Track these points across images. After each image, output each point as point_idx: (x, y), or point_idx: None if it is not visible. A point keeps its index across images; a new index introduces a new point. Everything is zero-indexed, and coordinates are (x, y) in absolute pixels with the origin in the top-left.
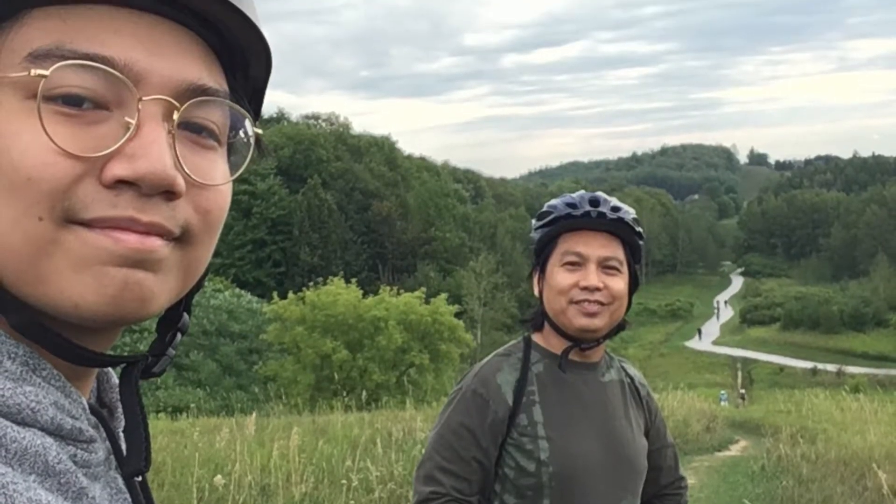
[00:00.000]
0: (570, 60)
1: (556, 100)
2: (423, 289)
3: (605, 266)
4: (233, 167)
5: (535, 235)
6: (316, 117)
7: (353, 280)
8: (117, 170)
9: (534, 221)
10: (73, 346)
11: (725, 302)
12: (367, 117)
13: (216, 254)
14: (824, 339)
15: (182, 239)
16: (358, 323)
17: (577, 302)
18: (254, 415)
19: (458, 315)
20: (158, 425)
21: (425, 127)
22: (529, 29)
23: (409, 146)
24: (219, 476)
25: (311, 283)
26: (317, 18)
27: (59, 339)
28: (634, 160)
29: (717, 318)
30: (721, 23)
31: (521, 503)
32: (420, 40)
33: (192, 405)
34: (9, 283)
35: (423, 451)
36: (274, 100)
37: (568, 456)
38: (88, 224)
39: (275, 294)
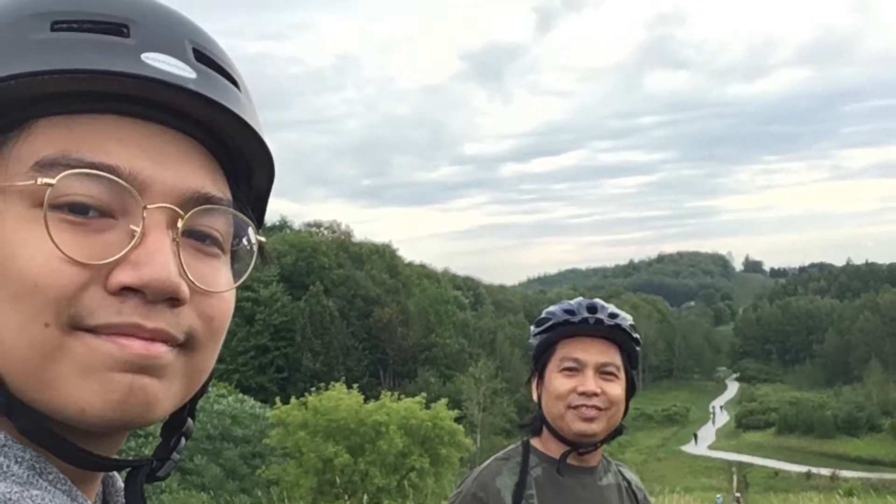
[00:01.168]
0: (569, 169)
1: (554, 208)
2: (424, 394)
3: (603, 372)
4: (236, 274)
5: (534, 341)
6: (318, 225)
7: (355, 385)
8: (123, 277)
9: (532, 328)
10: (79, 450)
11: (721, 407)
12: (368, 225)
13: (220, 360)
14: (818, 444)
15: (186, 345)
16: (359, 427)
17: (575, 407)
18: None
19: (458, 420)
20: None
21: (426, 234)
22: (528, 138)
23: (410, 253)
24: None
25: (314, 389)
26: (319, 128)
27: (65, 444)
28: (631, 267)
29: (713, 422)
30: (717, 132)
31: None
32: (420, 149)
33: None
34: (16, 389)
35: None
36: (277, 208)
37: None
38: (94, 330)
39: (277, 399)
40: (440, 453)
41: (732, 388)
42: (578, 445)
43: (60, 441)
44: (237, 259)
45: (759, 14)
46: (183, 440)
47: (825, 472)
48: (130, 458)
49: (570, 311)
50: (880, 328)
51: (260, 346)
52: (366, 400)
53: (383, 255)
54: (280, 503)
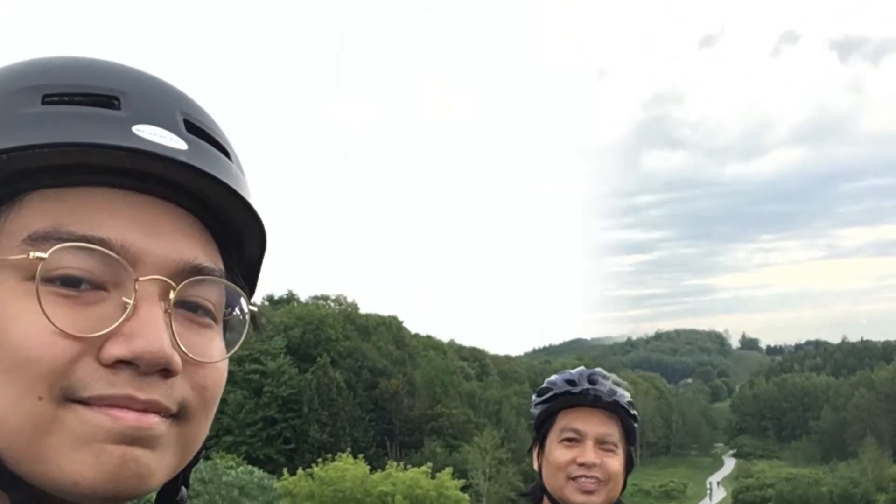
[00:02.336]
0: None
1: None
2: (430, 464)
3: (602, 444)
4: (229, 344)
5: (535, 411)
6: (325, 298)
7: (361, 456)
8: (115, 350)
9: (534, 397)
10: None
11: (718, 483)
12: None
13: (228, 431)
14: None
15: (179, 415)
16: (365, 498)
17: (575, 478)
18: None
19: (463, 489)
20: None
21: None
22: None
23: (416, 325)
24: None
25: (321, 459)
26: None
27: None
28: (630, 345)
29: (710, 498)
30: (713, 211)
31: None
32: None
33: None
34: (11, 461)
35: None
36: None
37: None
38: (87, 402)
39: (285, 470)
40: None
41: (729, 464)
42: None
43: None
44: (230, 329)
45: (755, 93)
46: None
47: None
48: None
49: (571, 382)
50: (875, 405)
51: (268, 418)
52: (372, 470)
53: (390, 327)
54: None
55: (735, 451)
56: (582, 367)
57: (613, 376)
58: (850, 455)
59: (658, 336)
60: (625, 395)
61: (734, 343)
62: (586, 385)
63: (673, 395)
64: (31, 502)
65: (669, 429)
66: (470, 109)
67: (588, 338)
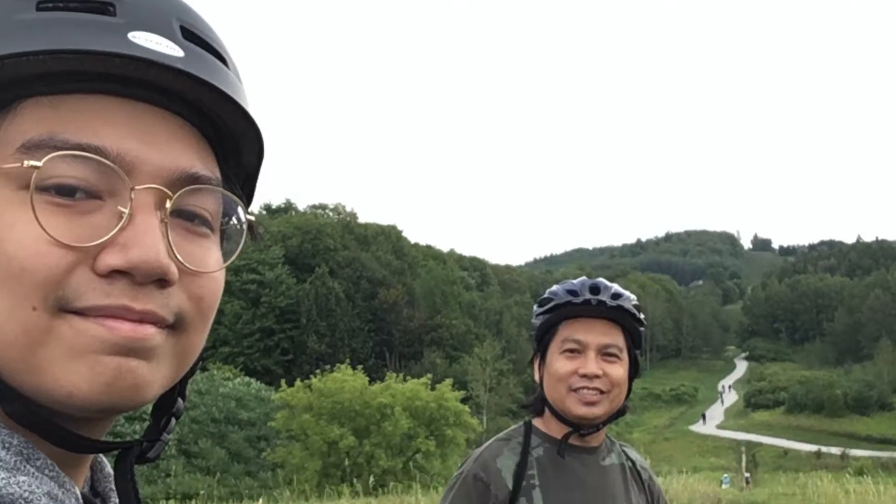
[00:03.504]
0: None
1: (561, 185)
2: (430, 375)
3: (605, 353)
4: (226, 254)
5: (536, 322)
6: (323, 207)
7: (360, 367)
8: (111, 259)
9: (535, 308)
10: (68, 433)
11: (730, 386)
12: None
13: (225, 342)
14: (828, 423)
15: (175, 326)
16: (364, 409)
17: (577, 389)
18: (261, 501)
19: (463, 401)
20: None
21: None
22: None
23: (415, 233)
24: None
25: (319, 371)
26: None
27: (54, 428)
28: (639, 247)
29: (722, 402)
30: None
31: None
32: None
33: (202, 492)
34: (4, 373)
35: None
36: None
37: None
38: (82, 313)
39: (283, 381)
40: (446, 434)
41: (741, 367)
42: (580, 427)
43: (49, 425)
44: (227, 238)
45: None
46: (173, 421)
47: (835, 451)
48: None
49: (572, 292)
50: (891, 306)
51: (265, 329)
52: (371, 381)
53: (389, 236)
54: (286, 486)
55: (747, 354)
56: (584, 277)
57: (616, 286)
58: (864, 357)
59: (668, 237)
60: (630, 299)
61: (746, 244)
62: (588, 295)
63: (683, 297)
64: (26, 414)
65: (680, 332)
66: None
67: (590, 247)
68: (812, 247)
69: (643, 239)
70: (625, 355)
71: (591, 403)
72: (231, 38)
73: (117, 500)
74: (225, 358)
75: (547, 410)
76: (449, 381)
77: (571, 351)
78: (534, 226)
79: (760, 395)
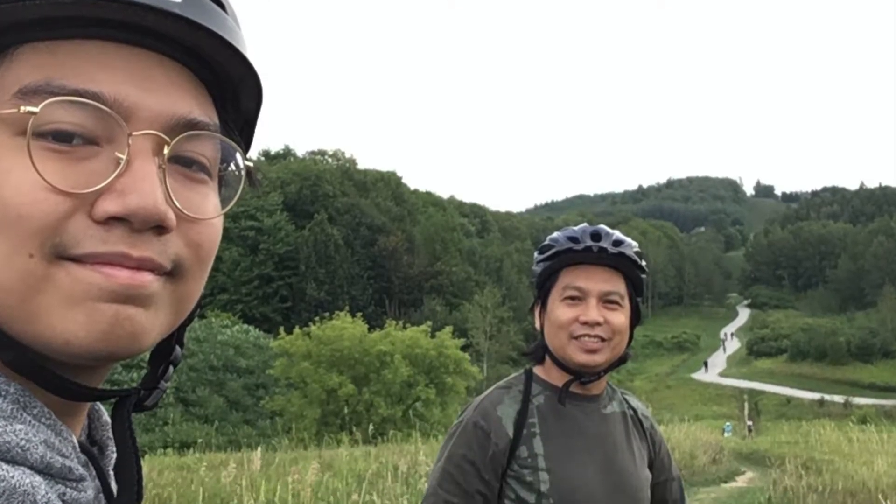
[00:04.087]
0: None
1: (562, 132)
2: (429, 322)
3: (606, 301)
4: (224, 200)
5: (537, 269)
6: (322, 153)
7: (360, 314)
8: (108, 206)
9: (536, 255)
10: (65, 381)
11: (732, 334)
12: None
13: (223, 290)
14: (831, 371)
15: (173, 273)
16: (364, 357)
17: (578, 337)
18: (259, 449)
19: (463, 348)
20: (165, 461)
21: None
22: None
23: (415, 180)
24: None
25: (318, 318)
26: None
27: (51, 376)
28: (640, 193)
29: (724, 350)
30: None
31: None
32: None
33: (199, 440)
34: (0, 320)
35: (427, 485)
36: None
37: (568, 488)
38: (79, 260)
39: (281, 329)
40: (446, 382)
41: (743, 314)
42: (581, 375)
43: (46, 373)
44: (225, 185)
45: None
46: (171, 369)
47: (838, 399)
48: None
49: (573, 239)
50: (894, 253)
51: (264, 276)
52: (370, 329)
53: (388, 183)
54: (284, 434)
55: (749, 301)
56: (585, 224)
57: (618, 232)
58: (868, 305)
59: (670, 184)
60: (632, 246)
61: (748, 190)
62: (589, 242)
63: (685, 244)
64: (23, 362)
65: (682, 279)
66: None
67: (591, 194)
68: (815, 193)
69: (645, 185)
70: (626, 302)
71: (593, 351)
72: None
73: (114, 449)
74: (223, 305)
75: (548, 358)
76: (449, 328)
77: (572, 298)
78: (535, 172)
79: (763, 343)
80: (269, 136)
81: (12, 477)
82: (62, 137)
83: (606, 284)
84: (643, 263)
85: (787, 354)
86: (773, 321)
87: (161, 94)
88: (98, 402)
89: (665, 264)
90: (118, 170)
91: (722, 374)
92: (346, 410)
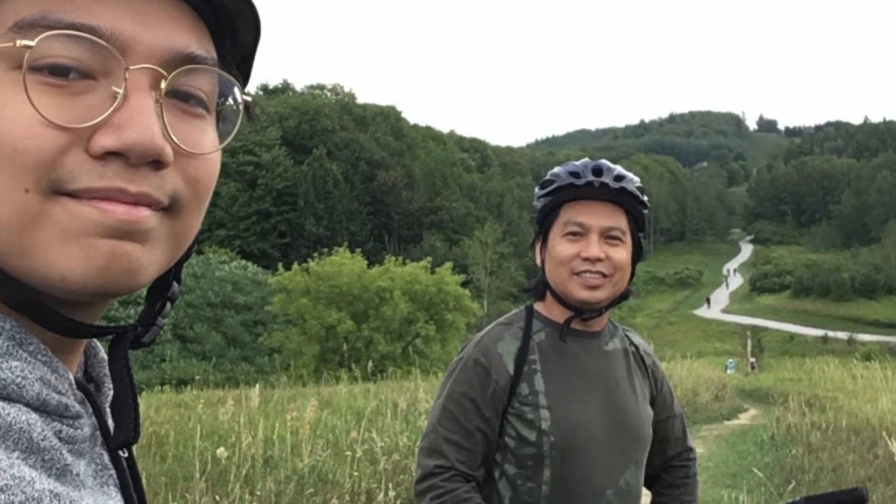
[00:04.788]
0: None
1: (563, 65)
2: (429, 258)
3: (608, 236)
4: (222, 135)
5: (538, 204)
6: (321, 87)
7: (359, 250)
8: (105, 140)
9: (537, 190)
10: (61, 318)
11: (735, 270)
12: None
13: (221, 225)
14: (835, 307)
15: (171, 208)
16: (363, 293)
17: (579, 273)
18: (257, 386)
19: (464, 284)
20: (162, 398)
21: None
22: None
23: (415, 114)
24: (222, 448)
25: (316, 254)
26: None
27: (47, 312)
28: (642, 128)
29: (727, 286)
30: None
31: (521, 473)
32: None
33: (197, 377)
34: None
35: (427, 422)
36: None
37: (569, 425)
38: (76, 195)
39: (280, 265)
40: (446, 318)
41: (746, 250)
42: (582, 311)
43: (42, 309)
44: (223, 119)
45: None
46: (169, 305)
47: (842, 335)
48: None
49: (574, 174)
50: None
51: (262, 211)
52: (370, 265)
53: (388, 117)
54: (283, 371)
55: (752, 236)
56: (586, 159)
57: (619, 167)
58: (872, 240)
59: (672, 118)
60: (633, 181)
61: (751, 124)
62: (590, 177)
63: (687, 179)
64: (19, 298)
65: (684, 214)
66: None
67: (593, 128)
68: (818, 128)
69: (647, 120)
70: (628, 238)
71: (594, 287)
72: None
73: (111, 386)
74: (221, 241)
75: (549, 294)
76: (449, 264)
77: (573, 234)
78: (536, 106)
79: (766, 279)
80: (267, 70)
81: (8, 414)
82: (58, 72)
83: (608, 220)
84: (645, 198)
85: (790, 291)
86: (776, 257)
87: (158, 27)
88: (94, 339)
89: (667, 200)
90: (115, 104)
91: (725, 311)
92: (344, 347)
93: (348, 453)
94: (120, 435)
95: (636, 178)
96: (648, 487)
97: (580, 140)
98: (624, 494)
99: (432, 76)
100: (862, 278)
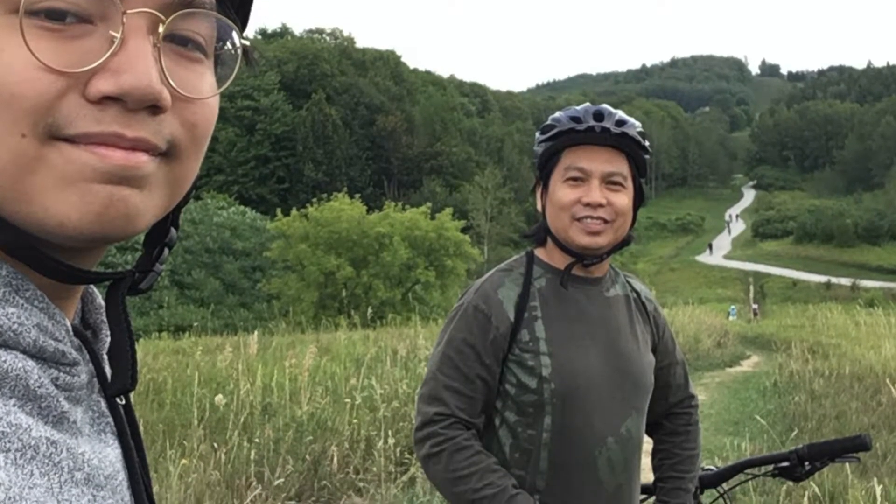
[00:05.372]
0: None
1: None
2: (429, 204)
3: (609, 182)
4: (220, 80)
5: (539, 149)
6: (320, 31)
7: (358, 196)
8: (102, 85)
9: (538, 135)
10: (58, 264)
11: (737, 216)
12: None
13: (219, 170)
14: (838, 253)
15: (168, 154)
16: (362, 239)
17: (580, 219)
18: (256, 333)
19: (464, 230)
20: (160, 345)
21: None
22: None
23: (414, 59)
24: (220, 396)
25: (316, 200)
26: None
27: (44, 258)
28: (644, 72)
29: (729, 231)
30: None
31: (522, 420)
32: None
33: (195, 324)
34: None
35: (426, 369)
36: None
37: (570, 372)
38: (73, 140)
39: (278, 211)
40: (446, 265)
41: (749, 195)
42: (583, 257)
43: (39, 255)
44: (221, 64)
45: None
46: (166, 251)
47: (845, 282)
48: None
49: (576, 119)
50: None
51: (260, 157)
52: (369, 211)
53: (387, 61)
54: (281, 318)
55: (755, 182)
56: (588, 104)
57: (621, 112)
58: (875, 186)
59: (673, 63)
60: (635, 126)
61: (753, 69)
62: (591, 122)
63: (689, 124)
64: (15, 244)
65: (686, 159)
66: None
67: (594, 73)
68: (821, 72)
69: (648, 64)
70: (629, 184)
71: (595, 233)
72: None
73: (108, 332)
74: (219, 186)
75: (549, 240)
76: (449, 209)
77: (574, 179)
78: (536, 50)
79: (769, 225)
80: (265, 14)
81: (4, 361)
82: (55, 16)
83: (609, 165)
84: (647, 144)
85: (793, 236)
86: (778, 202)
87: None
88: (91, 286)
89: (669, 145)
90: (112, 48)
91: (727, 257)
92: (344, 293)
93: (347, 400)
94: (117, 382)
95: (637, 123)
96: (650, 435)
97: (581, 85)
98: (625, 442)
99: (432, 20)
100: (865, 224)
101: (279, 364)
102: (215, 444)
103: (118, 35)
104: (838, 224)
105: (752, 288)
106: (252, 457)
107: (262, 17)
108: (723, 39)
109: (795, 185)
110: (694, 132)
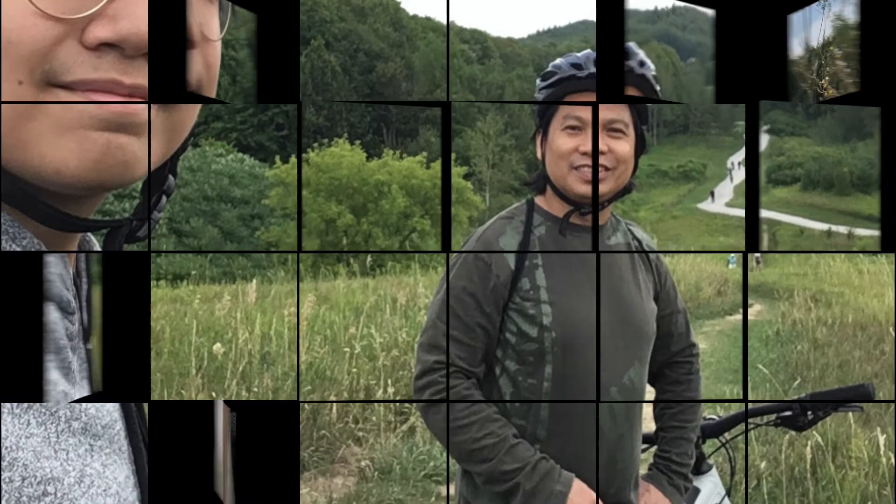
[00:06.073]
0: None
1: None
2: (425, 154)
3: (610, 129)
4: (220, 25)
5: (539, 96)
6: None
7: (358, 143)
8: (99, 31)
9: (538, 82)
10: (55, 211)
11: (739, 163)
12: None
13: (217, 118)
14: (837, 201)
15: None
16: (362, 187)
17: (578, 167)
18: (254, 281)
19: (465, 177)
20: (158, 293)
21: None
22: None
23: (414, 4)
24: (218, 344)
25: (316, 144)
26: None
27: (41, 206)
28: (655, 15)
29: (731, 179)
30: None
31: (522, 369)
32: None
33: (193, 272)
34: None
35: (426, 317)
36: None
37: (571, 321)
38: (70, 87)
39: (277, 158)
40: None
41: (762, 141)
42: (581, 205)
43: (36, 202)
44: (222, 9)
45: None
46: (164, 199)
47: (843, 230)
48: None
49: (576, 65)
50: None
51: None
52: (368, 158)
53: (387, 7)
54: (280, 266)
55: (768, 126)
56: (589, 50)
57: (641, 52)
58: (867, 135)
59: (674, 9)
60: (650, 69)
61: None
62: (593, 69)
63: (684, 73)
64: (12, 192)
65: (688, 106)
66: None
67: (594, 18)
68: None
69: (658, 7)
70: (631, 131)
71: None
72: None
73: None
74: (217, 133)
75: (549, 188)
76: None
77: (573, 128)
78: None
79: (780, 171)
80: None
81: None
82: None
83: (610, 112)
84: (658, 87)
85: (800, 183)
86: (788, 148)
87: None
88: (89, 233)
89: (671, 92)
90: None
91: (728, 204)
92: (344, 242)
93: (346, 349)
94: None
95: (651, 67)
96: (651, 384)
97: (582, 31)
98: (628, 392)
99: None
100: (859, 172)
101: (278, 313)
102: (214, 394)
103: None
104: (837, 173)
105: (766, 236)
106: None
107: None
108: None
109: (802, 131)
110: (686, 81)
